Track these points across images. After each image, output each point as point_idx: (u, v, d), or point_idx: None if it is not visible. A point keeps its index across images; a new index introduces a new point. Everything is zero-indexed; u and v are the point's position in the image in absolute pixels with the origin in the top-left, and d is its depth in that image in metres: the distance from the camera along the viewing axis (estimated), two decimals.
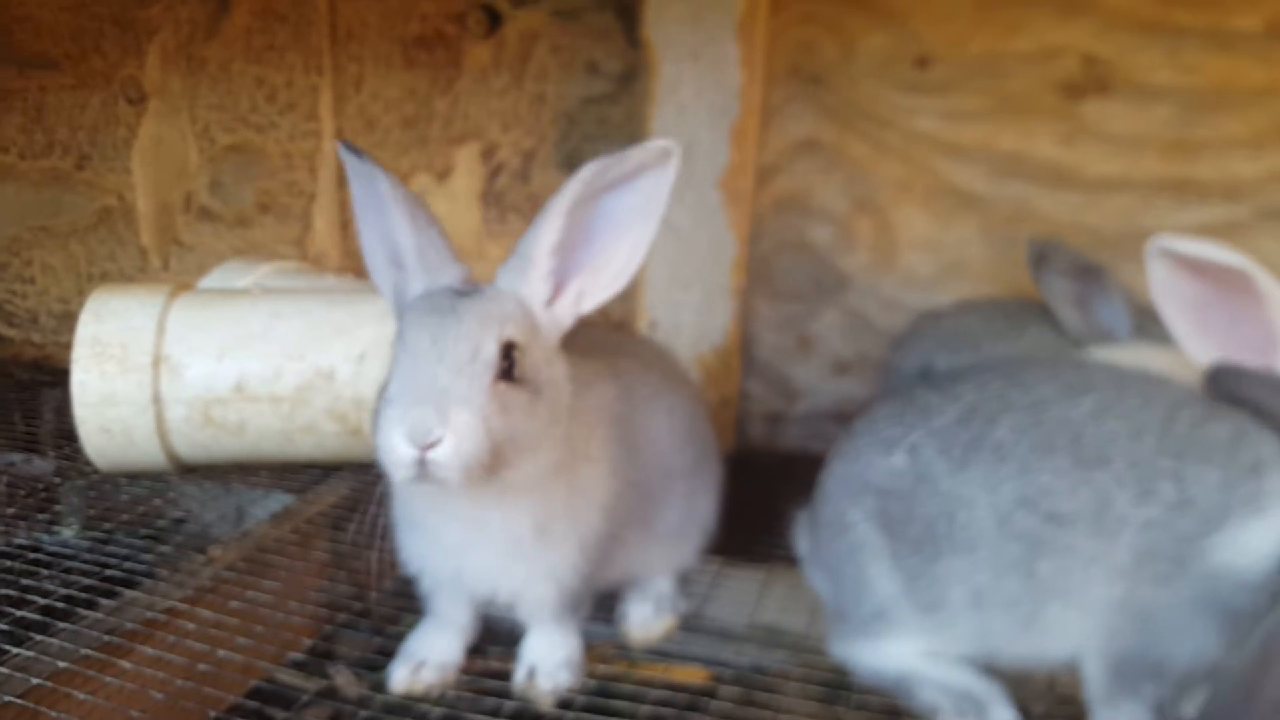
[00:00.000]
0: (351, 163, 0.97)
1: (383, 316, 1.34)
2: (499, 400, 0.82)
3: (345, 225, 1.89)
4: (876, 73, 1.55)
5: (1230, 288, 0.88)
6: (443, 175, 1.81)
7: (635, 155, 0.89)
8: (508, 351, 0.84)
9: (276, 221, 1.94)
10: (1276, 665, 0.76)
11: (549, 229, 0.90)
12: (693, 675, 1.03)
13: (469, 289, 0.90)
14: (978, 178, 1.53)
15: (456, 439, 0.79)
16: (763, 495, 1.49)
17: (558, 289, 0.92)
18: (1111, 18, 1.44)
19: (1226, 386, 0.92)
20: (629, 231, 0.93)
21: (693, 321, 1.66)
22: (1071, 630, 0.91)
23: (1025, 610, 0.91)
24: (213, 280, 1.69)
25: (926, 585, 0.93)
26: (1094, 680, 0.92)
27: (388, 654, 1.03)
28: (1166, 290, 0.91)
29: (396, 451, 0.79)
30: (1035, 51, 1.48)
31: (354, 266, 1.89)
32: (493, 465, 0.82)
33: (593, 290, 0.93)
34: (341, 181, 1.88)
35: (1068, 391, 0.94)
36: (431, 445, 0.78)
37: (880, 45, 1.54)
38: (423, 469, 0.79)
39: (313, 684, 1.01)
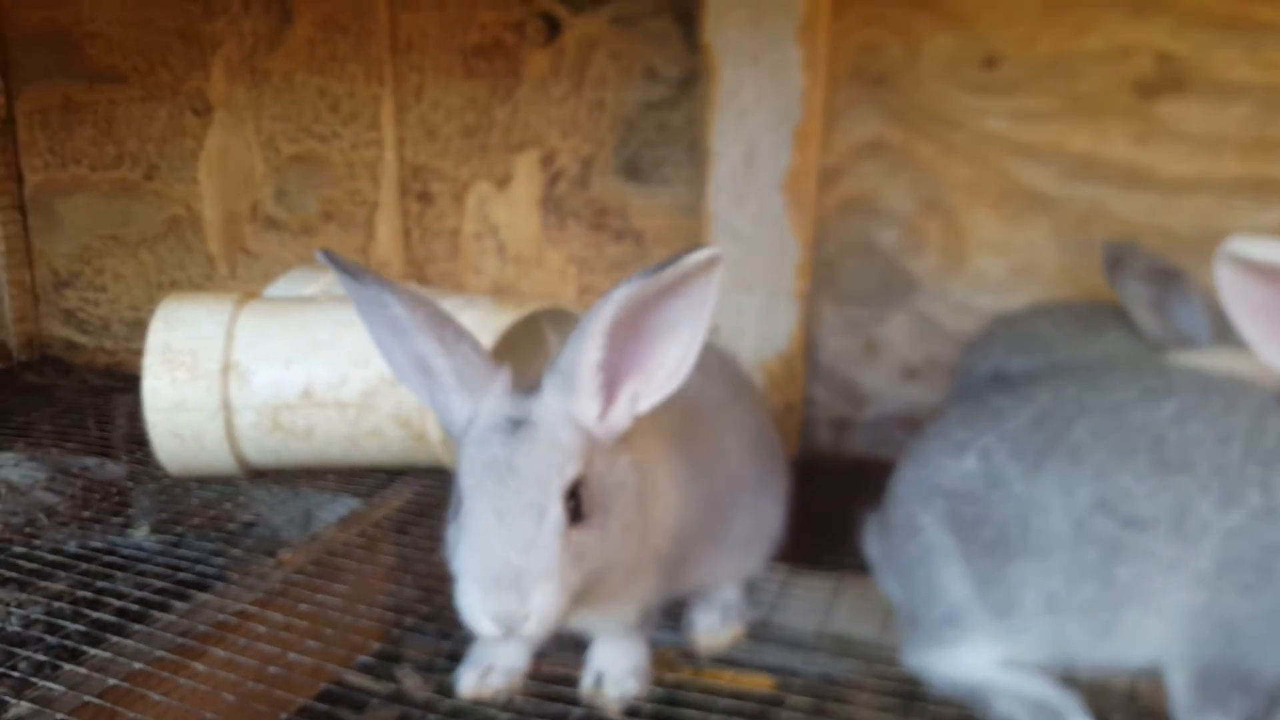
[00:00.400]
0: (350, 286, 0.90)
1: None
2: (573, 551, 0.81)
3: (407, 233, 1.91)
4: (943, 74, 1.52)
5: None
6: (503, 183, 1.82)
7: (673, 271, 0.81)
8: (573, 493, 0.82)
9: (340, 230, 1.96)
10: None
11: (589, 348, 0.85)
12: (759, 683, 1.02)
13: (521, 416, 0.85)
14: (1049, 179, 1.50)
15: (540, 615, 0.79)
16: (830, 502, 1.47)
17: (609, 399, 0.87)
18: (1186, 15, 1.41)
19: None
20: (679, 335, 0.87)
21: (755, 327, 1.65)
22: (1151, 638, 0.89)
23: (1102, 616, 0.89)
24: (279, 288, 1.72)
25: (999, 589, 0.92)
26: (1178, 690, 0.89)
27: (455, 658, 1.04)
28: (1237, 295, 0.87)
29: (485, 629, 0.80)
30: (1107, 50, 1.44)
31: (417, 274, 1.90)
32: (578, 600, 0.83)
33: (646, 392, 0.88)
34: (404, 190, 1.90)
35: (1148, 395, 0.92)
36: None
37: (946, 46, 1.51)
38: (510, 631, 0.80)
39: (381, 686, 1.02)
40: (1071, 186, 1.49)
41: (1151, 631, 0.88)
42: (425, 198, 1.89)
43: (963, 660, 0.95)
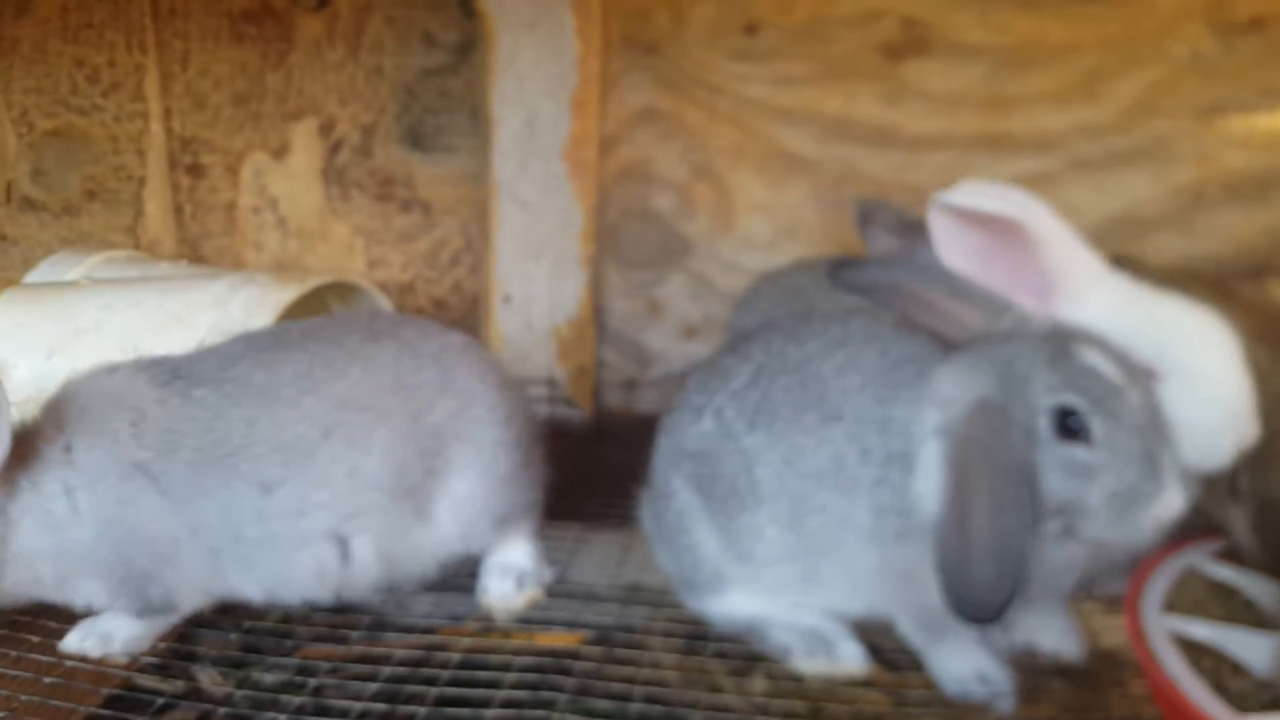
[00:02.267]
0: None
1: (220, 301, 1.30)
2: None
3: (179, 209, 1.82)
4: (707, 41, 1.57)
5: (1008, 236, 0.92)
6: (280, 153, 1.76)
7: None
8: None
9: (106, 209, 1.84)
10: (971, 504, 0.81)
11: None
12: (564, 639, 1.04)
13: None
14: (807, 141, 1.58)
15: None
16: (623, 460, 1.52)
17: None
18: None
19: (846, 279, 0.98)
20: None
21: (546, 293, 1.67)
22: (856, 589, 0.94)
23: (807, 565, 0.95)
24: (40, 275, 1.61)
25: (736, 539, 0.97)
26: (908, 635, 0.96)
27: (252, 650, 1.02)
28: (950, 242, 0.94)
29: None
30: (857, 15, 1.53)
31: (190, 253, 1.82)
32: None
33: None
34: (174, 164, 1.81)
35: (827, 347, 0.96)
36: None
37: (710, 13, 1.56)
38: None
39: (172, 686, 0.99)
40: (827, 148, 1.58)
41: (853, 584, 0.94)
42: (197, 171, 1.80)
43: (733, 604, 1.01)
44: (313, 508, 0.98)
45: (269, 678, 0.99)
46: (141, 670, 0.98)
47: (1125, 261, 1.23)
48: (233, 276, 1.38)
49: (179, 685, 0.97)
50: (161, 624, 1.04)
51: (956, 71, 1.52)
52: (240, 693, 0.96)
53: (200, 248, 1.82)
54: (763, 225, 1.63)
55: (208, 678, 0.99)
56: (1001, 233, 0.92)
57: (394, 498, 1.01)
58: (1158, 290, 0.97)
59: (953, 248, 0.95)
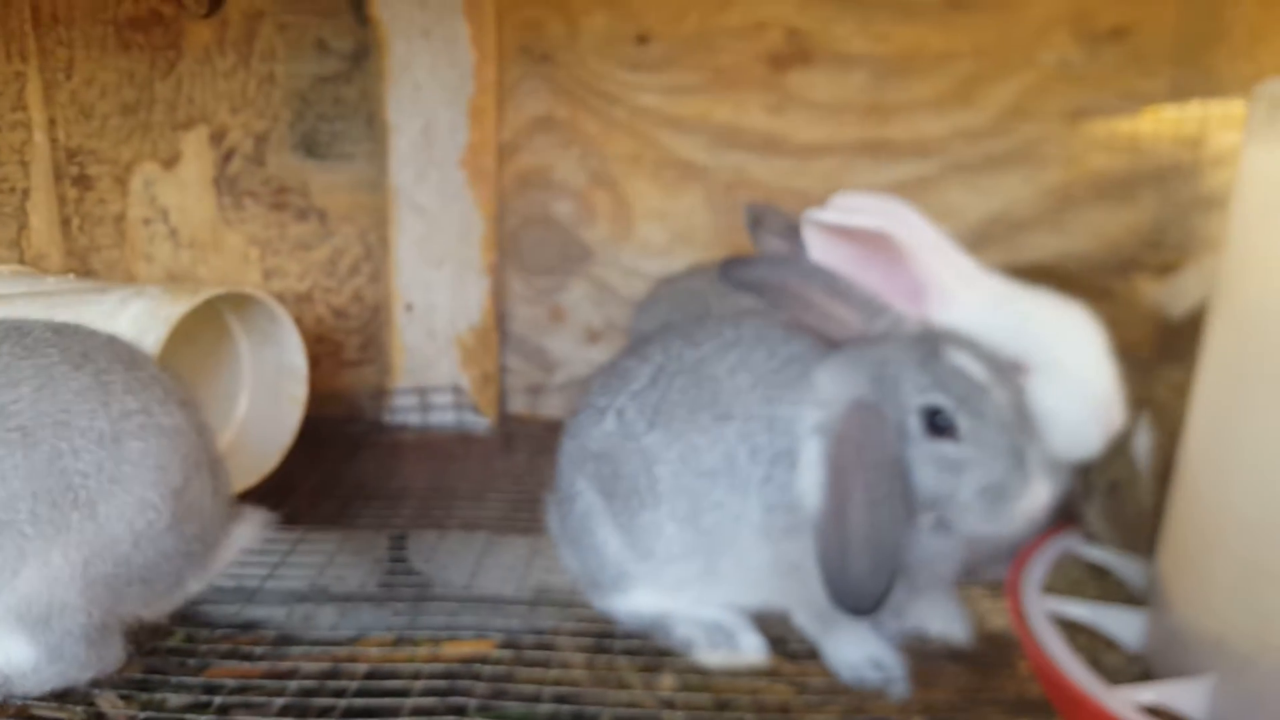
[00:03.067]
0: None
1: (110, 317, 1.25)
2: None
3: (65, 222, 1.74)
4: (601, 50, 1.58)
5: (878, 246, 0.95)
6: (170, 162, 1.70)
7: None
8: None
9: None
10: (847, 499, 0.83)
11: None
12: (473, 646, 1.03)
13: None
14: (699, 149, 1.60)
15: None
16: (528, 466, 1.52)
17: None
18: None
19: (735, 277, 0.99)
20: None
21: (448, 301, 1.65)
22: (749, 583, 0.96)
23: (705, 562, 0.96)
24: None
25: (638, 538, 0.98)
26: (804, 626, 0.98)
27: (155, 671, 0.97)
28: (826, 252, 0.98)
29: None
30: (744, 26, 1.55)
31: (78, 266, 1.75)
32: None
33: None
34: (60, 175, 1.73)
35: (722, 348, 0.98)
36: None
37: (602, 24, 1.57)
38: None
39: (70, 714, 0.95)
40: (718, 155, 1.59)
41: (750, 578, 0.96)
42: (84, 182, 1.73)
43: (638, 601, 1.02)
44: None
45: (174, 699, 0.94)
46: (40, 699, 0.93)
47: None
48: (123, 290, 1.33)
49: (79, 712, 0.92)
50: None
51: (839, 80, 1.56)
52: (144, 715, 0.92)
53: (89, 260, 1.75)
54: (659, 231, 1.64)
55: (108, 703, 0.95)
56: (872, 243, 0.95)
57: None
58: (1025, 288, 1.01)
59: (827, 257, 0.98)
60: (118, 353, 0.97)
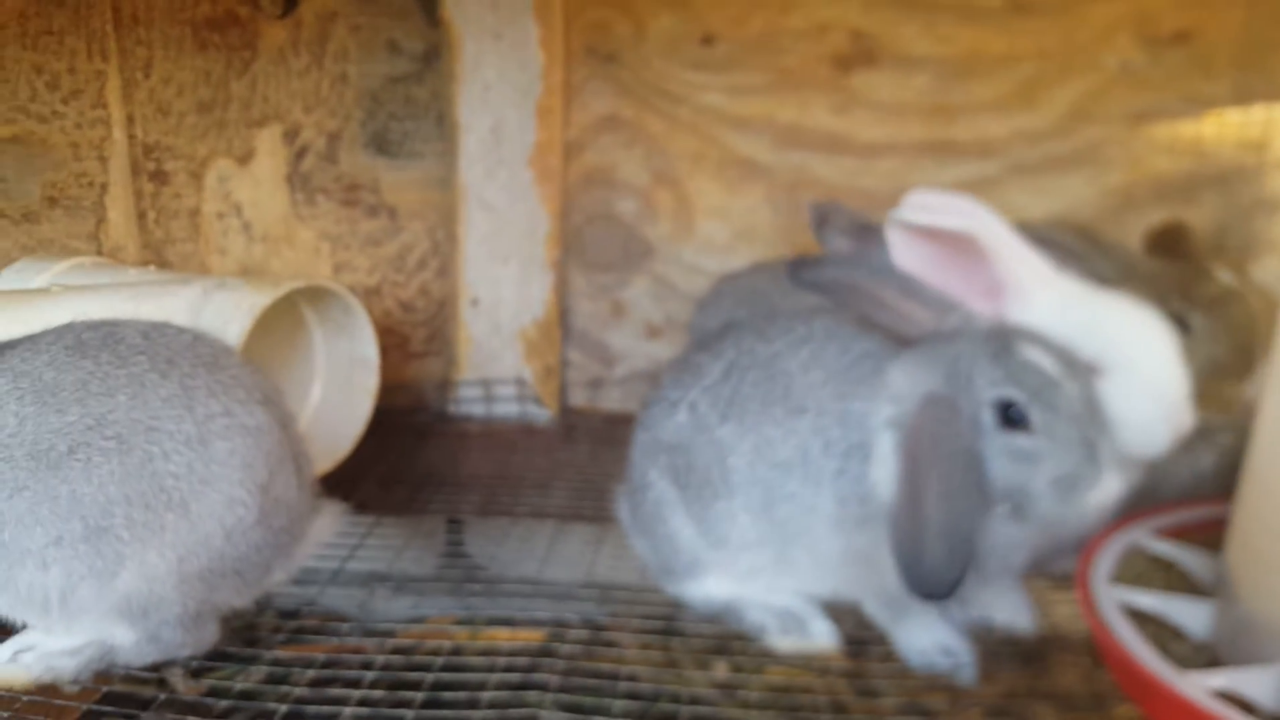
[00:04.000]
0: None
1: (193, 307, 1.30)
2: None
3: (142, 216, 1.80)
4: (666, 52, 1.61)
5: (961, 246, 0.97)
6: (244, 159, 1.76)
7: None
8: None
9: (67, 216, 1.82)
10: (922, 490, 0.85)
11: None
12: (535, 637, 1.04)
13: None
14: (762, 148, 1.62)
15: None
16: (590, 457, 1.56)
17: None
18: None
19: (805, 277, 1.01)
20: None
21: (513, 296, 1.69)
22: (823, 573, 0.99)
23: (777, 551, 0.99)
24: (3, 282, 1.58)
25: (711, 527, 1.00)
26: (873, 614, 1.00)
27: (222, 656, 0.99)
28: (907, 252, 0.99)
29: None
30: (808, 28, 1.57)
31: (154, 258, 1.81)
32: None
33: None
34: (137, 170, 1.79)
35: (793, 344, 1.01)
36: None
37: (668, 25, 1.60)
38: None
39: (150, 692, 0.95)
40: (781, 154, 1.62)
41: (821, 567, 0.98)
42: (160, 177, 1.79)
43: (710, 588, 1.04)
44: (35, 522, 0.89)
45: (243, 678, 0.97)
46: (121, 681, 0.95)
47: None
48: (205, 281, 1.37)
49: (149, 688, 0.95)
50: None
51: (903, 81, 1.58)
52: (215, 694, 0.94)
53: (164, 253, 1.81)
54: (721, 229, 1.67)
55: (179, 680, 0.97)
56: (953, 243, 0.97)
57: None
58: (1100, 290, 1.02)
59: (908, 257, 0.99)
60: (201, 355, 1.01)
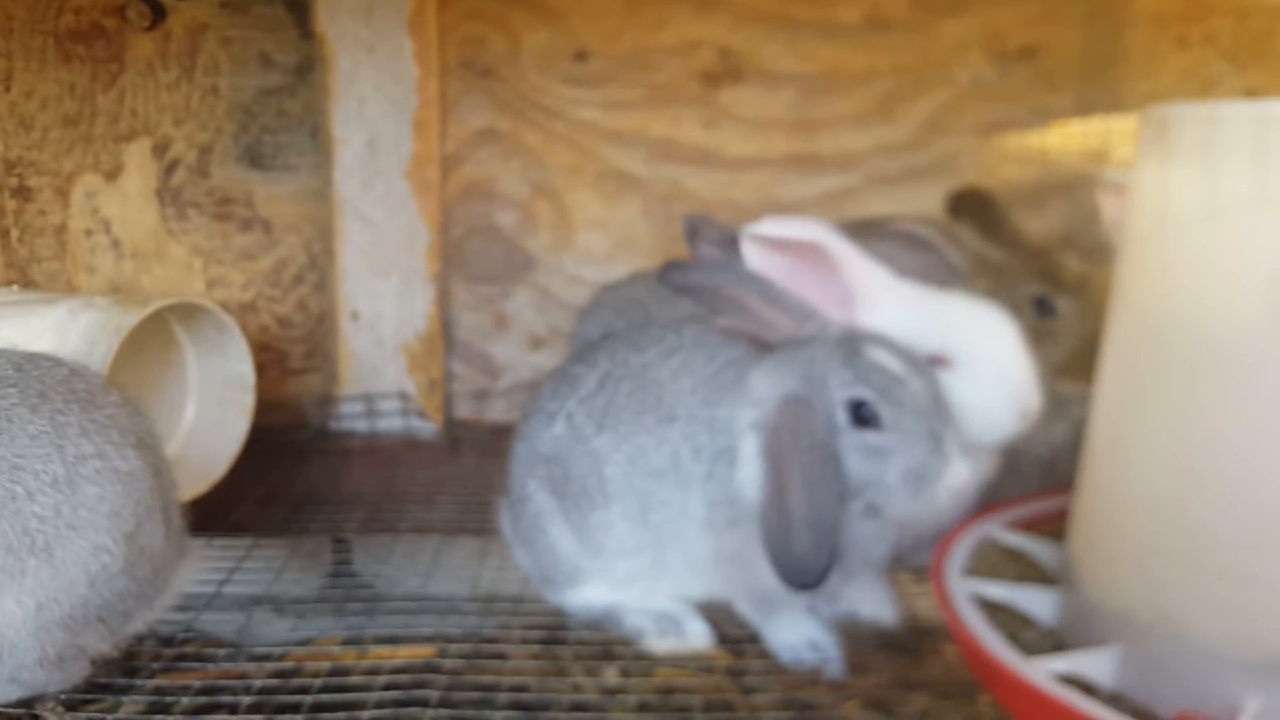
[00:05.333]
0: None
1: (60, 327, 1.24)
2: None
3: (5, 233, 1.71)
4: (541, 66, 1.61)
5: (811, 256, 1.00)
6: (112, 174, 1.68)
7: None
8: None
9: None
10: (786, 484, 0.88)
11: None
12: (420, 653, 1.02)
13: None
14: (637, 161, 1.64)
15: None
16: (476, 469, 1.54)
17: None
18: (740, 13, 1.59)
19: (673, 281, 1.03)
20: None
21: (394, 310, 1.66)
22: (697, 575, 1.00)
23: (652, 555, 1.00)
24: None
25: (589, 535, 1.01)
26: (745, 612, 1.02)
27: (100, 688, 0.94)
28: (761, 265, 1.01)
29: None
30: (678, 45, 1.59)
31: (19, 277, 1.72)
32: None
33: None
34: (0, 187, 1.70)
35: (664, 353, 1.02)
36: None
37: (542, 41, 1.60)
38: None
39: None
40: (655, 168, 1.64)
41: (695, 569, 0.99)
42: (24, 193, 1.70)
43: (590, 595, 1.05)
44: None
45: (125, 707, 0.93)
46: None
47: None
48: (72, 301, 1.31)
49: None
50: None
51: (768, 97, 1.61)
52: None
53: (29, 272, 1.72)
54: (600, 240, 1.67)
55: (53, 715, 0.93)
56: (805, 254, 1.00)
57: None
58: (938, 291, 1.07)
59: (765, 268, 1.02)
60: (75, 391, 0.95)
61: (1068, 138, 1.63)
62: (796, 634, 0.98)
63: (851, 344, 0.94)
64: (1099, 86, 1.61)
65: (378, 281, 1.65)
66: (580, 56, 1.60)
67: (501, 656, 1.00)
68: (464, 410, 1.75)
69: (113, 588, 0.91)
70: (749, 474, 0.94)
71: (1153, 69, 1.60)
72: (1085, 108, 1.62)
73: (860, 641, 1.01)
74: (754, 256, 1.01)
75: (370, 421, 1.68)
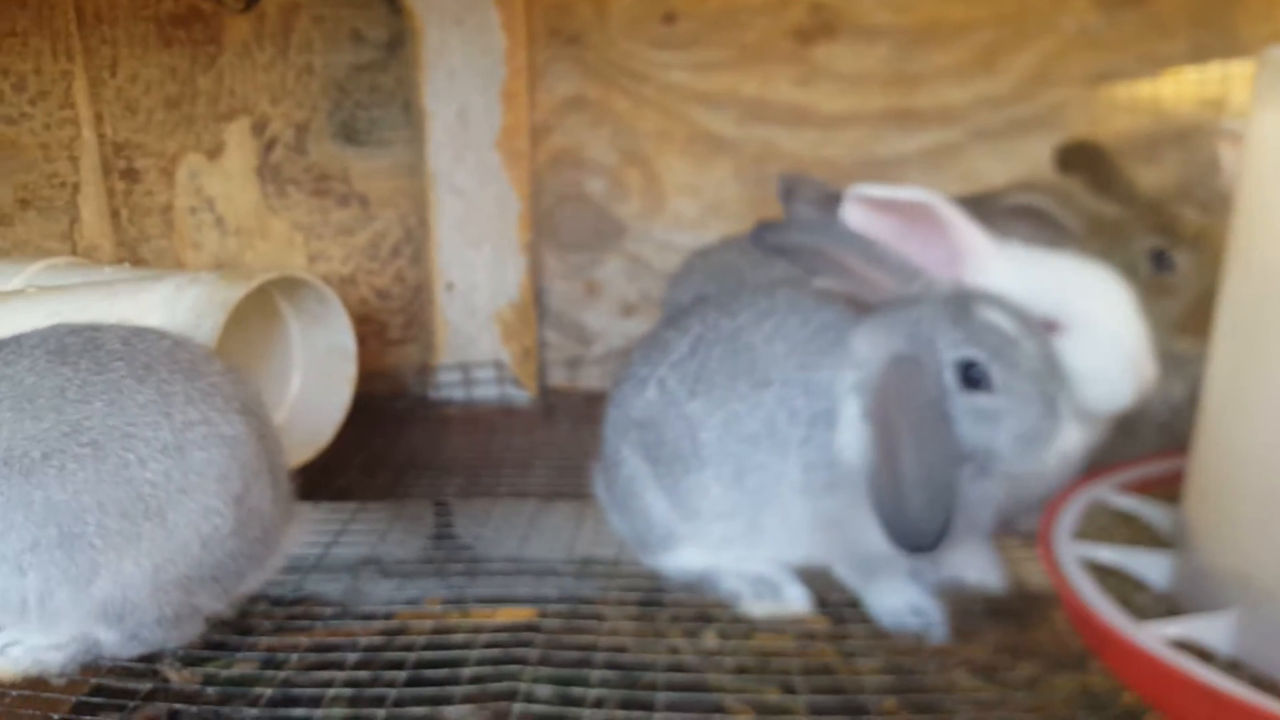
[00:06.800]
0: None
1: (168, 302, 1.30)
2: None
3: (115, 214, 1.80)
4: (628, 30, 1.61)
5: (918, 217, 0.98)
6: (214, 153, 1.75)
7: None
8: None
9: (40, 216, 1.82)
10: (896, 446, 0.87)
11: None
12: (520, 615, 1.05)
13: None
14: (728, 123, 1.62)
15: None
16: (570, 436, 1.57)
17: None
18: None
19: (769, 241, 1.01)
20: None
21: (487, 280, 1.70)
22: (794, 539, 1.00)
23: (750, 520, 1.00)
24: None
25: (683, 499, 1.02)
26: (845, 577, 1.02)
27: (216, 646, 1.00)
28: (865, 227, 1.00)
29: None
30: (767, 2, 1.57)
31: (129, 256, 1.81)
32: None
33: None
34: (108, 169, 1.78)
35: (758, 317, 1.01)
36: None
37: (629, 4, 1.60)
38: None
39: (139, 684, 0.95)
40: (747, 128, 1.62)
41: (792, 534, 0.99)
42: (131, 175, 1.78)
43: (685, 559, 1.06)
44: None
45: (237, 667, 0.98)
46: (110, 672, 0.96)
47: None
48: (179, 277, 1.38)
49: (145, 682, 0.95)
50: None
51: (863, 52, 1.58)
52: (208, 683, 0.95)
53: (138, 251, 1.81)
54: (690, 205, 1.67)
55: (173, 672, 0.97)
56: (911, 215, 0.98)
57: None
58: (1051, 253, 1.04)
59: (868, 230, 1.00)
60: (179, 361, 1.00)
61: (1182, 86, 1.56)
62: (898, 599, 0.98)
63: (961, 303, 0.92)
64: (1215, 31, 1.53)
65: (471, 252, 1.69)
66: (668, 18, 1.60)
67: (599, 618, 1.03)
68: (557, 378, 1.78)
69: (224, 548, 0.97)
70: (850, 437, 0.93)
71: (1273, 10, 1.51)
72: (1200, 54, 1.55)
73: (967, 607, 1.00)
74: (856, 216, 1.00)
75: (467, 390, 1.72)
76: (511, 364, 1.72)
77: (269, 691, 0.93)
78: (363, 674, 0.95)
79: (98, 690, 0.94)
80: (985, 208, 1.11)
